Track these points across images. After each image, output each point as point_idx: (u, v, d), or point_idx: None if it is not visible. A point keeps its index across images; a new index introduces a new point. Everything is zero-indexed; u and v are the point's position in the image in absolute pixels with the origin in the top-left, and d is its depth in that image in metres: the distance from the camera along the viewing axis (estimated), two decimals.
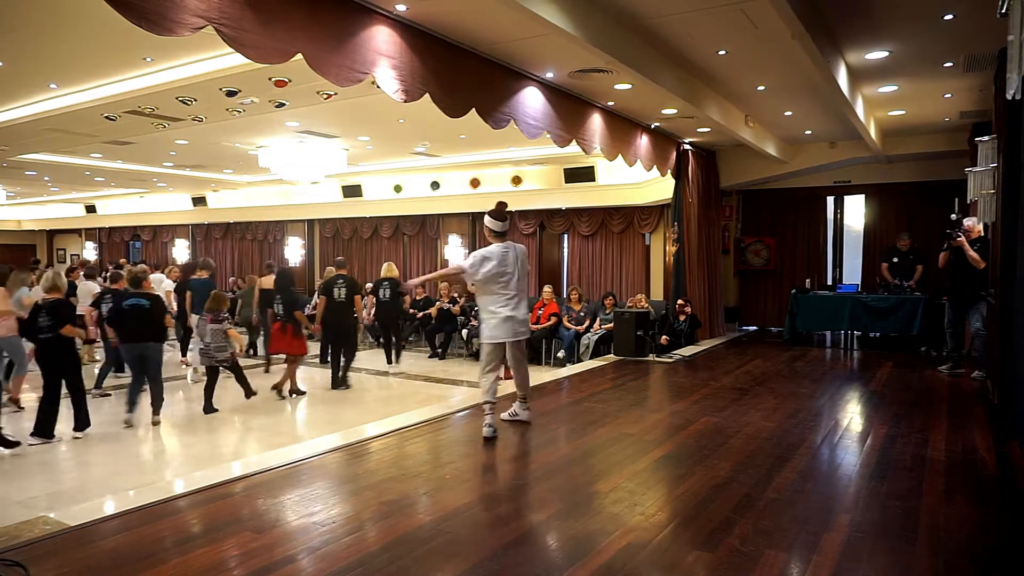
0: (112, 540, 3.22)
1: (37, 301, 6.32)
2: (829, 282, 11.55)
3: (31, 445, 5.90)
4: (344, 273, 8.87)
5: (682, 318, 9.86)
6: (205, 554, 3.04)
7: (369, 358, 10.96)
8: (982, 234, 7.35)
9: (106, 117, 8.17)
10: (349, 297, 8.63)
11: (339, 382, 8.68)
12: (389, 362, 10.40)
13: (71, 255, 23.89)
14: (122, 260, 17.59)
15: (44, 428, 5.99)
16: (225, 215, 18.55)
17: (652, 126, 9.05)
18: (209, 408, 7.24)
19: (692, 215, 10.34)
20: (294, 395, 8.11)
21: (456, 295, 12.03)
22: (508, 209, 5.29)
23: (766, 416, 5.70)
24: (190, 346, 9.37)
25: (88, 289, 9.84)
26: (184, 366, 9.77)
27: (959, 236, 7.25)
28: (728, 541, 3.18)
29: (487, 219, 5.23)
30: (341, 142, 10.75)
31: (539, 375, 8.41)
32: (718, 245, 11.40)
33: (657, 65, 6.43)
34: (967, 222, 7.41)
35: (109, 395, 7.97)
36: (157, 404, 6.73)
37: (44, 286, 6.26)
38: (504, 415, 5.47)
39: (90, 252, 22.47)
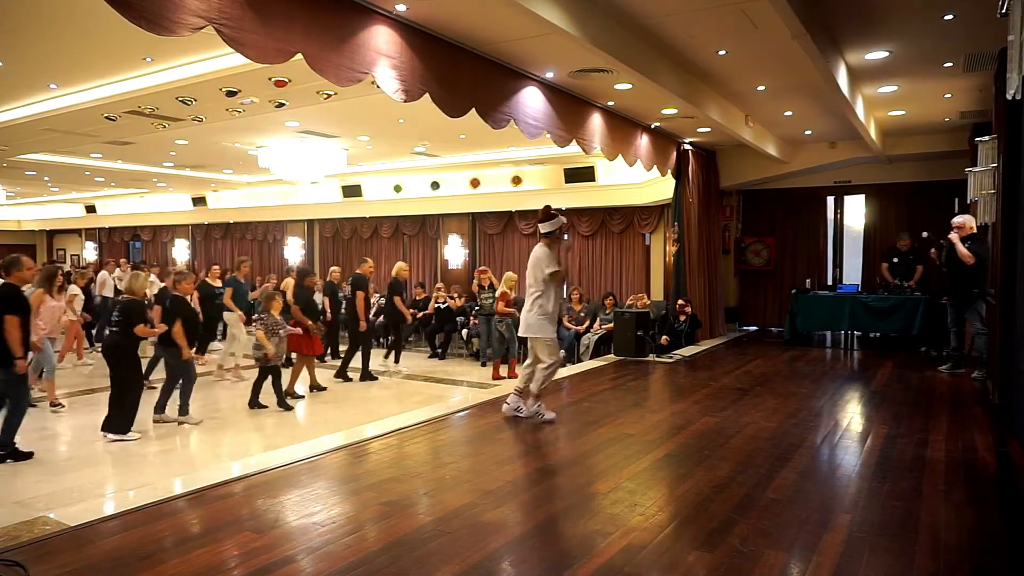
0: (112, 540, 3.22)
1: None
2: (829, 282, 11.55)
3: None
4: (356, 271, 9.39)
5: (682, 318, 9.86)
6: (205, 554, 3.04)
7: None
8: (974, 231, 7.35)
9: (106, 117, 8.17)
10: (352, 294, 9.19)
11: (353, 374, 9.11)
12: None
13: (71, 255, 23.90)
14: (122, 260, 17.55)
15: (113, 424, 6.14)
16: (225, 215, 18.55)
17: (652, 126, 9.05)
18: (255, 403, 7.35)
19: (692, 215, 10.34)
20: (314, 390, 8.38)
21: (455, 295, 12.03)
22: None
23: (766, 416, 5.70)
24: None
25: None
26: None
27: (943, 241, 7.39)
28: (728, 541, 3.18)
29: None
30: (341, 142, 10.74)
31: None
32: (718, 245, 11.39)
33: (657, 65, 6.43)
34: (957, 219, 7.43)
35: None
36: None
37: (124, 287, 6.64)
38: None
39: (90, 252, 22.46)
